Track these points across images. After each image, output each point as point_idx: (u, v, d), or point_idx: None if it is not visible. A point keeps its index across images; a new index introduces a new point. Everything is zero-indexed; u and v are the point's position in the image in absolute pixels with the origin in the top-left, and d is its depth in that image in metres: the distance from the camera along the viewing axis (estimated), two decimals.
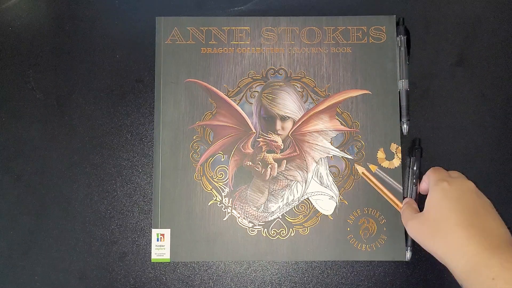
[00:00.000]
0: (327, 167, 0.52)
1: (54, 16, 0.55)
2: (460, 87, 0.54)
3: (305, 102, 0.53)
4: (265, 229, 0.51)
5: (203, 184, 0.52)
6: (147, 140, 0.53)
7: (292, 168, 0.52)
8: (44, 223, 0.52)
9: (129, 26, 0.55)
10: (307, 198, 0.51)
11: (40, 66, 0.54)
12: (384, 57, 0.53)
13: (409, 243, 0.50)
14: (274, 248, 0.50)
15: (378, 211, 0.51)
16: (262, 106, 0.53)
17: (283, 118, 0.52)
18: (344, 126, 0.52)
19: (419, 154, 0.51)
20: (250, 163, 0.52)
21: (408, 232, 0.47)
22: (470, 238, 0.39)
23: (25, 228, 0.52)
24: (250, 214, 0.51)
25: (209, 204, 0.51)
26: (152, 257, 0.51)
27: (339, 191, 0.51)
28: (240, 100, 0.53)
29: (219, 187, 0.52)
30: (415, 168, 0.50)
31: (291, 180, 0.52)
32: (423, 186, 0.49)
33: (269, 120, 0.52)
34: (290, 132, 0.52)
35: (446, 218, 0.41)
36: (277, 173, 0.52)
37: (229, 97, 0.53)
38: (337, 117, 0.53)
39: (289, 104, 0.53)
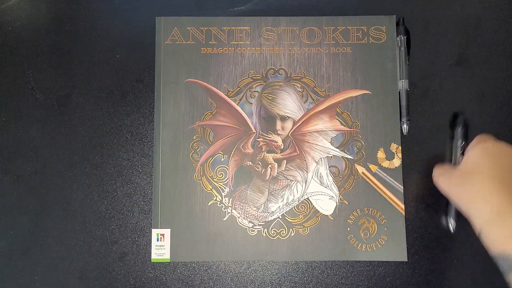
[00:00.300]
0: (327, 167, 0.52)
1: (54, 16, 0.55)
2: (460, 87, 0.54)
3: (305, 102, 0.53)
4: (265, 229, 0.51)
5: (203, 184, 0.52)
6: (147, 140, 0.53)
7: (292, 168, 0.52)
8: (44, 223, 0.52)
9: (129, 26, 0.55)
10: (307, 198, 0.51)
11: (40, 66, 0.54)
12: (384, 57, 0.53)
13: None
14: (274, 248, 0.50)
15: (378, 211, 0.51)
16: (262, 106, 0.53)
17: (283, 118, 0.52)
18: (344, 126, 0.52)
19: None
20: (250, 163, 0.52)
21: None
22: (499, 191, 0.39)
23: (25, 228, 0.52)
24: (250, 214, 0.51)
25: (209, 204, 0.51)
26: (152, 257, 0.51)
27: (339, 191, 0.51)
28: (240, 100, 0.53)
29: (219, 187, 0.52)
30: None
31: (291, 180, 0.52)
32: (468, 149, 0.46)
33: (269, 120, 0.52)
34: (290, 132, 0.52)
35: (480, 171, 0.42)
36: (277, 173, 0.52)
37: (229, 97, 0.53)
38: (337, 117, 0.53)
39: (289, 104, 0.53)
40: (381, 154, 0.52)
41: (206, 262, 0.51)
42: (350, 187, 0.51)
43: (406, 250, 0.50)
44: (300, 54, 0.54)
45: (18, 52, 0.55)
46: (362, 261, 0.51)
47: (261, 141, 0.52)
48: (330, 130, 0.52)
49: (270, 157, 0.52)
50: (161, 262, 0.51)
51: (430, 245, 0.51)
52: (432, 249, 0.51)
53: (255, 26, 0.54)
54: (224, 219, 0.51)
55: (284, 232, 0.51)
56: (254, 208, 0.51)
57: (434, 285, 0.51)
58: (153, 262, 0.51)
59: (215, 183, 0.52)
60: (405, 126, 0.51)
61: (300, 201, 0.51)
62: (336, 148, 0.52)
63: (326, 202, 0.51)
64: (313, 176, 0.52)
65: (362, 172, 0.52)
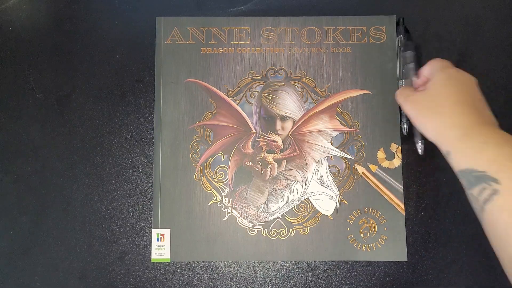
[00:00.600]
0: (327, 167, 0.52)
1: (54, 16, 0.55)
2: None
3: (305, 102, 0.53)
4: (265, 229, 0.51)
5: (203, 184, 0.52)
6: (147, 140, 0.53)
7: (292, 168, 0.52)
8: (44, 223, 0.52)
9: (129, 26, 0.55)
10: (307, 198, 0.51)
11: (40, 66, 0.54)
12: (384, 57, 0.53)
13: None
14: (274, 248, 0.50)
15: (378, 211, 0.51)
16: (262, 106, 0.53)
17: (283, 118, 0.52)
18: (344, 126, 0.52)
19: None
20: (250, 163, 0.52)
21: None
22: (466, 114, 0.41)
23: (25, 228, 0.52)
24: (250, 214, 0.51)
25: (209, 204, 0.51)
26: (152, 257, 0.51)
27: (339, 191, 0.51)
28: (240, 100, 0.53)
29: (219, 187, 0.52)
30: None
31: (291, 180, 0.52)
32: (425, 71, 0.48)
33: (269, 120, 0.52)
34: (290, 132, 0.52)
35: (447, 96, 0.43)
36: (277, 173, 0.52)
37: (229, 97, 0.53)
38: (337, 117, 0.53)
39: (289, 104, 0.53)
40: (381, 154, 0.52)
41: (206, 262, 0.51)
42: (350, 187, 0.51)
43: (406, 250, 0.50)
44: (300, 54, 0.54)
45: (18, 52, 0.55)
46: (362, 261, 0.51)
47: (261, 141, 0.52)
48: (330, 130, 0.52)
49: (270, 157, 0.52)
50: (161, 262, 0.51)
51: (430, 245, 0.51)
52: (432, 249, 0.51)
53: (255, 26, 0.54)
54: (224, 219, 0.51)
55: (284, 232, 0.51)
56: (254, 208, 0.51)
57: (434, 285, 0.51)
58: (153, 262, 0.51)
59: (215, 183, 0.52)
60: (405, 126, 0.51)
61: (300, 201, 0.51)
62: (336, 148, 0.52)
63: (326, 202, 0.51)
64: (313, 176, 0.52)
65: (362, 172, 0.52)
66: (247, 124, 0.52)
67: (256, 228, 0.51)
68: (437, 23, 0.55)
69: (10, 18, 0.55)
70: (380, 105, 0.52)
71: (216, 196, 0.51)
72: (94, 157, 0.53)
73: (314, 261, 0.51)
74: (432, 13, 0.55)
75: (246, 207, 0.51)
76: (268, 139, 0.52)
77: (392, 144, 0.52)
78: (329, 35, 0.54)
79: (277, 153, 0.52)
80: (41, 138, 0.53)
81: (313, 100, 0.53)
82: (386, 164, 0.52)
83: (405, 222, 0.51)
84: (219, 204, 0.51)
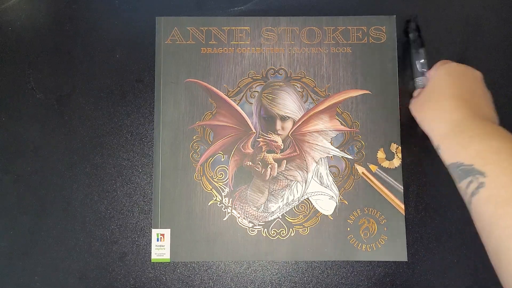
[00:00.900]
0: (327, 167, 0.52)
1: (54, 16, 0.55)
2: None
3: (305, 102, 0.53)
4: (265, 229, 0.51)
5: (203, 184, 0.52)
6: (147, 140, 0.53)
7: (292, 168, 0.52)
8: (44, 223, 0.52)
9: (129, 26, 0.55)
10: (307, 198, 0.51)
11: (40, 66, 0.54)
12: (384, 57, 0.53)
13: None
14: (274, 248, 0.50)
15: (378, 211, 0.51)
16: (262, 106, 0.53)
17: (283, 118, 0.52)
18: (344, 126, 0.52)
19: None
20: (250, 163, 0.52)
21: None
22: (459, 107, 0.41)
23: (25, 228, 0.52)
24: (250, 214, 0.51)
25: (209, 204, 0.51)
26: (152, 257, 0.51)
27: (339, 191, 0.51)
28: (240, 100, 0.53)
29: (219, 187, 0.52)
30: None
31: (291, 180, 0.52)
32: (431, 71, 0.48)
33: (269, 120, 0.52)
34: (290, 132, 0.52)
35: (442, 90, 0.43)
36: (277, 173, 0.52)
37: (229, 97, 0.53)
38: (337, 117, 0.53)
39: (289, 104, 0.53)
40: (381, 154, 0.52)
41: (206, 262, 0.51)
42: (350, 187, 0.51)
43: (406, 250, 0.50)
44: (300, 54, 0.54)
45: (18, 52, 0.55)
46: (362, 261, 0.51)
47: (261, 141, 0.52)
48: (330, 130, 0.52)
49: (270, 157, 0.52)
50: (161, 262, 0.51)
51: (430, 245, 0.51)
52: (432, 249, 0.51)
53: (255, 26, 0.54)
54: (224, 219, 0.51)
55: (284, 232, 0.51)
56: (254, 208, 0.51)
57: (434, 285, 0.51)
58: (153, 262, 0.51)
59: (215, 183, 0.52)
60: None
61: (300, 201, 0.51)
62: (336, 148, 0.52)
63: (326, 202, 0.51)
64: (313, 176, 0.52)
65: (362, 172, 0.52)
66: (247, 124, 0.52)
67: (256, 228, 0.51)
68: (437, 23, 0.55)
69: (10, 18, 0.55)
70: (380, 105, 0.52)
71: (216, 196, 0.51)
72: (94, 157, 0.53)
73: (314, 261, 0.51)
74: (432, 13, 0.55)
75: (246, 207, 0.51)
76: (268, 139, 0.52)
77: (392, 144, 0.52)
78: (329, 35, 0.54)
79: (277, 153, 0.52)
80: (41, 138, 0.53)
81: (313, 100, 0.53)
82: (386, 164, 0.52)
83: (405, 222, 0.51)
84: (219, 204, 0.51)
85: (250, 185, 0.52)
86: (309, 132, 0.52)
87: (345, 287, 0.51)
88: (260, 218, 0.51)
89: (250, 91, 0.53)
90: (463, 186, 0.37)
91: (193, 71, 0.53)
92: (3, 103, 0.54)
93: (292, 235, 0.51)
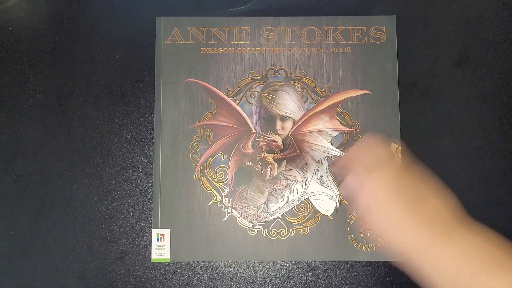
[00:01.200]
0: (327, 167, 0.52)
1: (54, 16, 0.55)
2: (460, 87, 0.54)
3: (305, 102, 0.53)
4: (265, 229, 0.51)
5: (203, 184, 0.52)
6: (147, 140, 0.53)
7: (292, 168, 0.52)
8: (44, 223, 0.52)
9: (129, 26, 0.55)
10: (307, 198, 0.51)
11: (40, 66, 0.54)
12: (384, 57, 0.53)
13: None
14: (274, 248, 0.50)
15: None
16: (262, 106, 0.53)
17: (283, 118, 0.52)
18: (344, 126, 0.52)
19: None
20: (250, 163, 0.52)
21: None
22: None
23: (25, 228, 0.52)
24: (250, 214, 0.51)
25: (209, 204, 0.51)
26: (152, 257, 0.51)
27: (339, 191, 0.51)
28: (240, 100, 0.53)
29: (219, 187, 0.52)
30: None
31: (291, 180, 0.52)
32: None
33: (269, 120, 0.52)
34: (290, 132, 0.52)
35: (384, 208, 0.39)
36: (277, 173, 0.52)
37: (229, 97, 0.53)
38: (337, 117, 0.53)
39: (289, 104, 0.53)
40: None
41: (206, 262, 0.51)
42: None
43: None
44: (300, 54, 0.54)
45: (18, 52, 0.55)
46: (362, 261, 0.51)
47: (261, 141, 0.52)
48: (330, 130, 0.52)
49: (270, 157, 0.52)
50: (161, 262, 0.51)
51: None
52: None
53: (255, 26, 0.54)
54: (224, 219, 0.51)
55: (284, 232, 0.51)
56: (254, 208, 0.51)
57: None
58: (153, 262, 0.51)
59: (215, 183, 0.52)
60: None
61: (300, 201, 0.51)
62: (336, 148, 0.52)
63: (326, 202, 0.51)
64: (313, 176, 0.52)
65: None
66: (247, 124, 0.52)
67: (256, 228, 0.51)
68: (437, 23, 0.55)
69: (10, 18, 0.55)
70: (380, 105, 0.52)
71: (216, 196, 0.51)
72: (94, 157, 0.53)
73: (314, 261, 0.51)
74: (432, 13, 0.55)
75: (246, 207, 0.51)
76: (268, 139, 0.52)
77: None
78: (329, 35, 0.54)
79: (277, 153, 0.52)
80: (41, 138, 0.53)
81: (313, 100, 0.53)
82: None
83: None
84: (219, 204, 0.51)
85: (250, 185, 0.52)
86: (309, 132, 0.52)
87: (345, 287, 0.51)
88: (260, 218, 0.51)
89: (250, 91, 0.53)
90: None
91: (193, 71, 0.53)
92: (3, 103, 0.54)
93: (292, 235, 0.51)
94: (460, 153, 0.52)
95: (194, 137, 0.52)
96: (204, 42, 0.54)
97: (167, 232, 0.51)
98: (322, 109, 0.53)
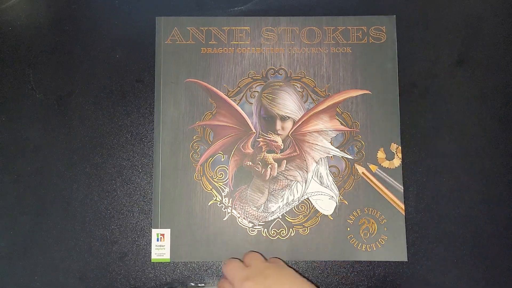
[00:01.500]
0: (327, 167, 0.52)
1: (54, 16, 0.55)
2: (460, 87, 0.54)
3: (305, 102, 0.53)
4: (265, 229, 0.51)
5: (203, 184, 0.52)
6: (147, 140, 0.53)
7: (292, 168, 0.52)
8: (44, 223, 0.52)
9: (129, 26, 0.55)
10: (307, 198, 0.51)
11: (40, 66, 0.54)
12: (384, 57, 0.53)
13: None
14: (274, 248, 0.50)
15: (378, 211, 0.51)
16: (262, 106, 0.53)
17: (283, 118, 0.52)
18: (344, 126, 0.52)
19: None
20: (250, 163, 0.52)
21: None
22: None
23: (25, 228, 0.52)
24: (250, 214, 0.51)
25: (209, 204, 0.51)
26: (152, 257, 0.51)
27: (339, 191, 0.51)
28: (240, 100, 0.53)
29: (219, 187, 0.52)
30: None
31: (291, 180, 0.52)
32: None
33: (269, 120, 0.52)
34: (290, 132, 0.52)
35: None
36: (277, 173, 0.52)
37: (229, 97, 0.53)
38: (337, 117, 0.53)
39: (289, 104, 0.53)
40: (381, 154, 0.52)
41: (206, 262, 0.51)
42: (350, 187, 0.51)
43: (406, 250, 0.50)
44: (300, 54, 0.54)
45: (18, 52, 0.55)
46: (362, 261, 0.51)
47: (261, 141, 0.52)
48: (330, 130, 0.52)
49: (270, 157, 0.52)
50: (161, 262, 0.51)
51: (430, 245, 0.51)
52: (432, 249, 0.51)
53: (255, 26, 0.54)
54: (224, 219, 0.51)
55: (284, 232, 0.51)
56: (254, 208, 0.51)
57: (434, 285, 0.51)
58: (153, 262, 0.51)
59: (215, 183, 0.52)
60: None
61: (300, 201, 0.51)
62: (336, 148, 0.52)
63: (326, 202, 0.51)
64: (313, 176, 0.52)
65: (362, 172, 0.52)
66: (247, 124, 0.52)
67: (256, 228, 0.51)
68: (437, 23, 0.55)
69: (10, 18, 0.55)
70: (380, 105, 0.52)
71: (216, 196, 0.51)
72: (94, 157, 0.53)
73: (314, 261, 0.51)
74: (432, 13, 0.55)
75: (246, 207, 0.51)
76: (268, 139, 0.52)
77: (392, 144, 0.52)
78: (329, 35, 0.54)
79: (277, 153, 0.52)
80: (41, 138, 0.53)
81: (313, 100, 0.53)
82: (386, 164, 0.52)
83: (405, 222, 0.51)
84: (219, 204, 0.51)
85: (250, 185, 0.52)
86: (309, 132, 0.52)
87: (345, 287, 0.51)
88: (260, 218, 0.51)
89: (250, 91, 0.53)
90: None
91: (193, 71, 0.53)
92: (3, 103, 0.54)
93: (292, 235, 0.51)
94: (460, 153, 0.53)
95: (194, 137, 0.52)
96: (204, 42, 0.54)
97: (167, 232, 0.51)
98: (322, 109, 0.53)
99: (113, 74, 0.54)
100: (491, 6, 0.55)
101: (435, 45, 0.54)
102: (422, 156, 0.52)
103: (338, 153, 0.52)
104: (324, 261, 0.51)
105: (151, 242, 0.51)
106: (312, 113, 0.52)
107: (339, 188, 0.51)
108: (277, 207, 0.51)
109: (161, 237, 0.51)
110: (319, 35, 0.54)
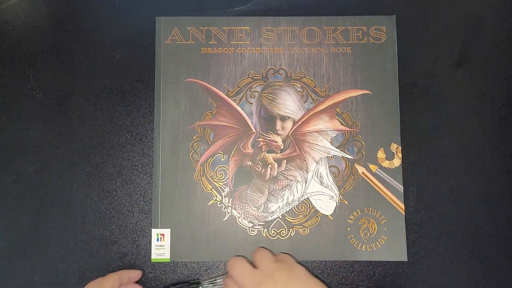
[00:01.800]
0: (327, 167, 0.52)
1: (54, 16, 0.55)
2: (460, 87, 0.54)
3: (305, 102, 0.53)
4: (265, 229, 0.51)
5: (203, 184, 0.52)
6: (147, 140, 0.53)
7: (292, 168, 0.52)
8: (44, 223, 0.52)
9: (129, 26, 0.55)
10: (307, 198, 0.51)
11: (40, 66, 0.54)
12: (384, 57, 0.53)
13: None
14: (274, 248, 0.50)
15: (378, 211, 0.51)
16: (262, 106, 0.53)
17: (283, 118, 0.52)
18: (344, 126, 0.52)
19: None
20: (250, 163, 0.52)
21: None
22: None
23: (25, 228, 0.52)
24: (250, 214, 0.51)
25: (209, 204, 0.51)
26: (152, 257, 0.51)
27: (339, 191, 0.51)
28: (240, 100, 0.53)
29: (219, 187, 0.52)
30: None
31: (291, 180, 0.52)
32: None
33: (269, 120, 0.52)
34: (290, 132, 0.52)
35: None
36: (277, 173, 0.52)
37: (229, 97, 0.53)
38: (337, 117, 0.53)
39: (289, 104, 0.53)
40: (381, 154, 0.52)
41: (206, 262, 0.51)
42: (350, 187, 0.51)
43: (406, 250, 0.50)
44: (300, 54, 0.54)
45: (18, 52, 0.55)
46: (362, 261, 0.51)
47: (261, 141, 0.52)
48: (330, 130, 0.52)
49: (270, 157, 0.52)
50: (161, 262, 0.51)
51: (430, 245, 0.51)
52: (432, 249, 0.51)
53: (255, 26, 0.54)
54: (224, 219, 0.51)
55: (284, 232, 0.51)
56: (254, 208, 0.51)
57: (434, 285, 0.51)
58: (153, 262, 0.51)
59: (215, 183, 0.52)
60: None
61: (300, 201, 0.51)
62: (336, 148, 0.52)
63: (326, 202, 0.51)
64: (313, 176, 0.52)
65: (362, 172, 0.52)
66: (247, 124, 0.52)
67: (256, 228, 0.51)
68: (437, 23, 0.55)
69: (10, 18, 0.55)
70: (380, 105, 0.52)
71: (216, 196, 0.51)
72: (94, 157, 0.53)
73: (314, 261, 0.51)
74: (432, 13, 0.55)
75: (246, 207, 0.51)
76: (268, 139, 0.52)
77: (392, 144, 0.52)
78: (329, 35, 0.54)
79: (277, 153, 0.52)
80: (41, 138, 0.53)
81: (313, 100, 0.53)
82: (386, 164, 0.52)
83: (405, 222, 0.51)
84: (219, 204, 0.51)
85: (250, 185, 0.52)
86: (309, 132, 0.52)
87: (345, 287, 0.51)
88: (260, 218, 0.51)
89: (250, 91, 0.53)
90: None
91: (193, 71, 0.53)
92: (3, 103, 0.54)
93: (292, 235, 0.51)
94: (460, 153, 0.53)
95: (194, 137, 0.52)
96: (204, 42, 0.54)
97: (167, 232, 0.51)
98: (322, 109, 0.53)
99: (113, 74, 0.54)
100: (491, 6, 0.55)
101: (435, 45, 0.54)
102: (422, 156, 0.52)
103: (338, 153, 0.52)
104: (324, 261, 0.51)
105: (151, 242, 0.51)
106: (312, 113, 0.52)
107: (339, 188, 0.51)
108: (277, 207, 0.51)
109: (161, 237, 0.51)
110: (319, 35, 0.54)
